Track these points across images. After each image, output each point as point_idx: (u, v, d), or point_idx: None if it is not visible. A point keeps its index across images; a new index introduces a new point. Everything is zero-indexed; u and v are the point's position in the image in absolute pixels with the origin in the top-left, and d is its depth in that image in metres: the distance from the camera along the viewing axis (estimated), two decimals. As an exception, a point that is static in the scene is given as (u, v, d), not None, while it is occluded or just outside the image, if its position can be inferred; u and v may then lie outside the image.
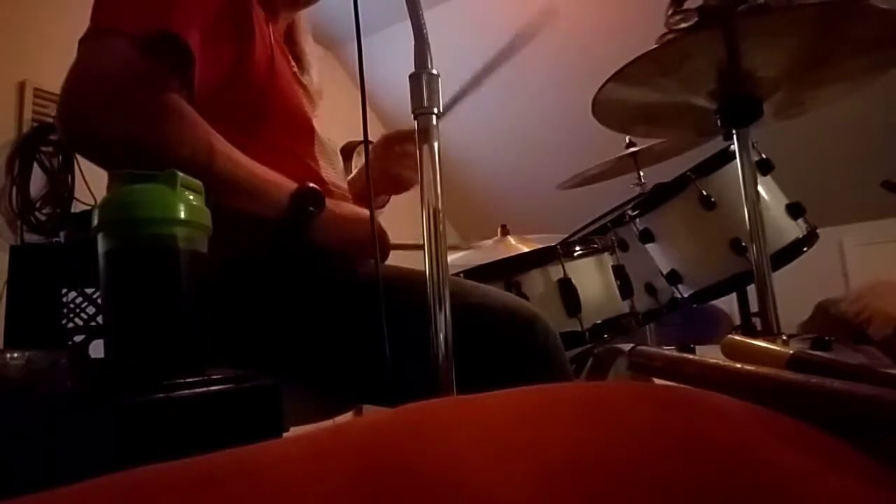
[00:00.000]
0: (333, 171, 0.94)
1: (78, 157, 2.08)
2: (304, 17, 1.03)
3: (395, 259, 0.87)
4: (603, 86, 1.11)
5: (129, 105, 0.68)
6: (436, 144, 0.65)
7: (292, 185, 0.77)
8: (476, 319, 0.75)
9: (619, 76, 1.07)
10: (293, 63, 0.92)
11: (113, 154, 0.70)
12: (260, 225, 0.75)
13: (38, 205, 2.03)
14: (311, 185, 0.78)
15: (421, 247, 0.64)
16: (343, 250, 0.80)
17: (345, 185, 0.97)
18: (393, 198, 1.15)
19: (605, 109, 1.21)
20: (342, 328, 0.79)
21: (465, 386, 0.61)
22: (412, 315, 0.65)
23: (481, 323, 0.76)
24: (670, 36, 1.02)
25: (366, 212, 0.84)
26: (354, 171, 1.14)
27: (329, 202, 0.79)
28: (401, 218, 1.19)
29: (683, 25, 1.01)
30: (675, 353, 0.51)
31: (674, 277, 1.48)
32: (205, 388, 0.46)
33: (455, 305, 0.63)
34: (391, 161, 1.04)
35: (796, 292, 1.62)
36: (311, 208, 0.76)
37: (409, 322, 0.66)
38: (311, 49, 1.01)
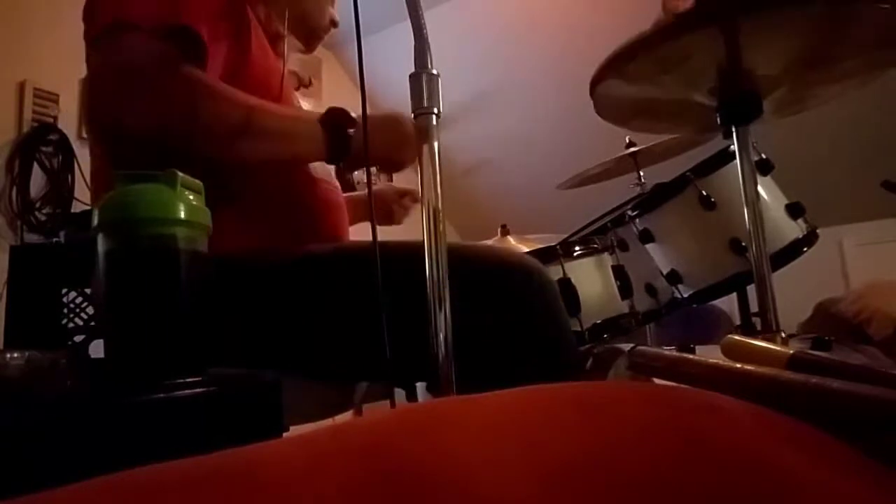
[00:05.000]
0: (321, 167, 0.95)
1: (77, 157, 2.09)
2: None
3: (395, 232, 0.88)
4: (601, 78, 1.09)
5: (159, 90, 0.70)
6: (436, 144, 0.65)
7: (315, 115, 0.79)
8: (468, 273, 0.76)
9: (618, 68, 1.06)
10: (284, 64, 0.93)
11: (147, 141, 0.71)
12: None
13: (38, 205, 2.03)
14: (332, 107, 0.80)
15: None
16: (385, 155, 0.82)
17: (335, 182, 0.98)
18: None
19: (605, 105, 1.21)
20: (340, 306, 0.79)
21: (462, 337, 0.61)
22: (409, 287, 0.65)
23: (474, 273, 0.77)
24: (667, 20, 1.01)
25: (396, 114, 0.87)
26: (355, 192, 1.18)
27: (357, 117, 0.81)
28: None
29: (682, 9, 1.00)
30: (675, 353, 0.51)
31: (674, 277, 1.48)
32: (205, 388, 0.46)
33: (449, 261, 0.63)
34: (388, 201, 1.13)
35: (796, 292, 1.62)
36: (349, 129, 0.78)
37: (406, 294, 0.66)
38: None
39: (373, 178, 0.79)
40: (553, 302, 0.80)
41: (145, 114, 0.69)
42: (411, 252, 0.78)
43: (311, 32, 1.03)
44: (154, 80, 0.70)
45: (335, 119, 0.79)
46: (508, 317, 0.76)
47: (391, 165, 0.86)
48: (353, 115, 0.80)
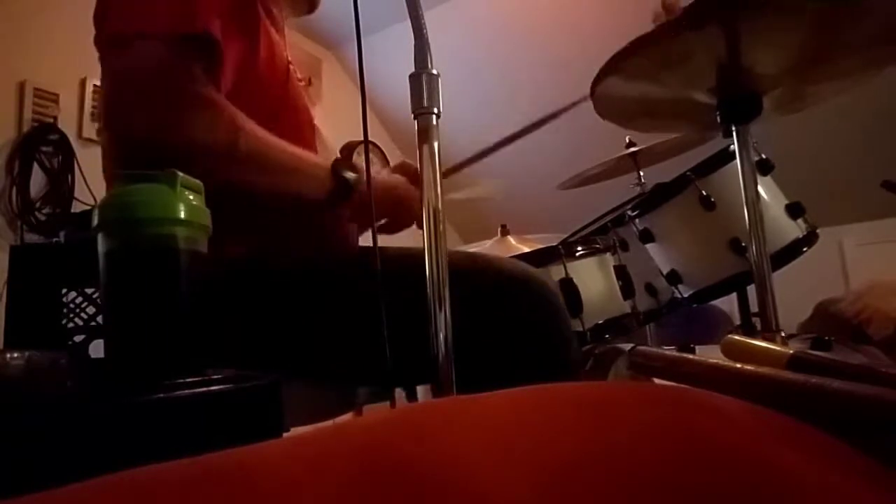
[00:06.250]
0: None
1: (77, 157, 2.09)
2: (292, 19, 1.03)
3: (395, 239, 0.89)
4: (602, 77, 1.10)
5: (177, 103, 0.69)
6: (436, 144, 0.65)
7: (327, 162, 0.81)
8: (473, 282, 0.77)
9: (618, 67, 1.06)
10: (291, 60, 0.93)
11: (165, 153, 0.69)
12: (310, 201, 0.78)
13: (38, 205, 2.03)
14: (342, 158, 0.82)
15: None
16: (383, 217, 0.85)
17: None
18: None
19: (605, 105, 1.21)
20: (342, 311, 0.80)
21: (464, 343, 0.62)
22: (411, 294, 0.65)
23: (479, 285, 0.77)
24: (668, 18, 1.01)
25: (396, 178, 0.90)
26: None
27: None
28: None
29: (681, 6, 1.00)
30: (675, 353, 0.52)
31: (674, 277, 1.48)
32: (205, 388, 0.46)
33: (452, 270, 0.64)
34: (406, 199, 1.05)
35: (796, 292, 1.62)
36: (349, 175, 0.80)
37: (408, 301, 0.66)
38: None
39: (374, 168, 0.80)
40: (554, 310, 0.81)
41: (158, 126, 0.68)
42: (410, 256, 0.79)
43: None
44: (174, 93, 0.69)
45: (343, 165, 0.81)
46: (509, 325, 0.77)
47: (392, 227, 0.88)
48: (355, 165, 0.83)
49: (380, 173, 1.05)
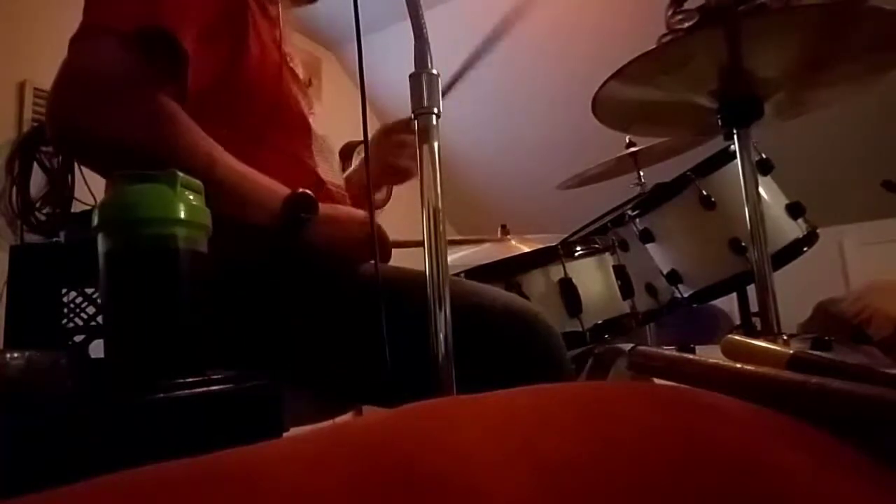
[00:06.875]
0: (331, 170, 0.93)
1: (78, 157, 2.09)
2: (293, 14, 1.02)
3: (396, 257, 0.87)
4: (604, 84, 1.10)
5: (123, 106, 0.67)
6: (436, 144, 0.65)
7: (285, 191, 0.75)
8: (475, 320, 0.75)
9: (620, 75, 1.07)
10: (290, 59, 0.92)
11: (102, 155, 0.69)
12: (255, 230, 0.74)
13: (38, 205, 2.03)
14: (304, 190, 0.76)
15: (422, 243, 0.64)
16: (341, 253, 0.80)
17: (342, 184, 0.96)
18: (392, 195, 1.15)
19: (606, 108, 1.21)
20: (342, 330, 0.79)
21: (466, 388, 0.61)
22: (412, 317, 0.65)
23: (481, 324, 0.76)
24: (670, 36, 1.02)
25: (361, 212, 0.83)
26: (352, 167, 1.14)
27: (323, 206, 0.77)
28: (399, 216, 1.19)
29: (684, 25, 1.01)
30: (675, 353, 0.51)
31: (674, 277, 1.48)
32: (205, 388, 0.46)
33: (453, 307, 0.63)
34: (389, 151, 1.04)
35: (796, 292, 1.62)
36: (304, 215, 0.74)
37: (408, 324, 0.66)
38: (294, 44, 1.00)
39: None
40: (558, 349, 0.80)
41: (105, 125, 0.66)
42: (412, 279, 0.78)
43: None
44: (122, 95, 0.67)
45: (297, 204, 0.74)
46: (509, 364, 0.76)
47: (335, 255, 0.82)
48: (321, 204, 0.76)
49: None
